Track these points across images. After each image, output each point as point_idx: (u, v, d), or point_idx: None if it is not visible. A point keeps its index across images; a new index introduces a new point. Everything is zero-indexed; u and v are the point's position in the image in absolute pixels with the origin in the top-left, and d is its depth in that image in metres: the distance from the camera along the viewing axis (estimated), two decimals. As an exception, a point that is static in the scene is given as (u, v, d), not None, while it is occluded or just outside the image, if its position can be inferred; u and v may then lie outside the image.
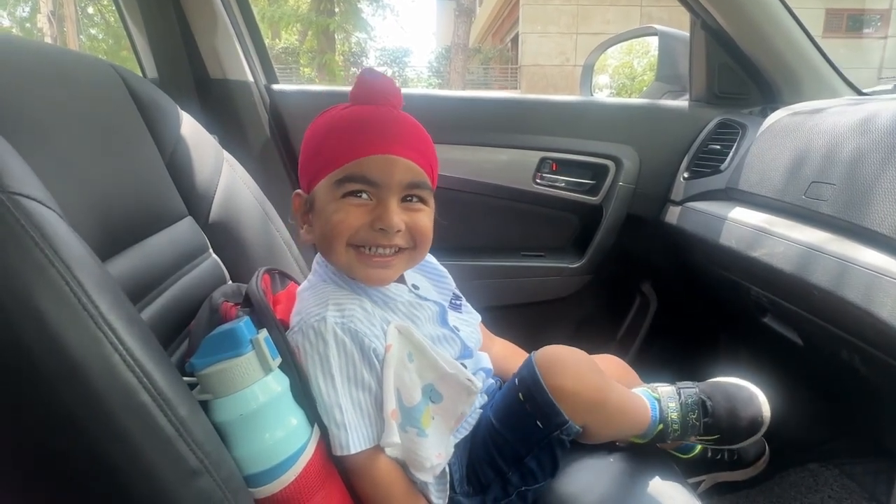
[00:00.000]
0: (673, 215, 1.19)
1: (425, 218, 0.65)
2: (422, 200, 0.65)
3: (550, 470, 0.67)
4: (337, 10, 13.98)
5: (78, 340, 0.40)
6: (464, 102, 1.25)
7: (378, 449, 0.60)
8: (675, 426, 0.75)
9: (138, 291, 0.65)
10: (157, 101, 0.84)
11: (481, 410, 0.72)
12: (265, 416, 0.56)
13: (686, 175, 1.20)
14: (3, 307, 0.38)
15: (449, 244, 1.29)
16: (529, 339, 0.98)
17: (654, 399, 0.76)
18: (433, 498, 0.64)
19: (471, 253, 1.27)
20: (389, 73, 16.32)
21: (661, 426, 0.75)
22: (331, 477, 0.59)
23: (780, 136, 0.98)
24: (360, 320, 0.61)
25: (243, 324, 0.57)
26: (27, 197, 0.42)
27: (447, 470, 0.65)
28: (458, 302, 0.77)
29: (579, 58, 12.56)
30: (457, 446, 0.67)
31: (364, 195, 0.61)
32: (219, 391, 0.55)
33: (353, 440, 0.58)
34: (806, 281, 0.77)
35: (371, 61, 16.78)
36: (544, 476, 0.67)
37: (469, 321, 0.77)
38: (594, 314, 1.39)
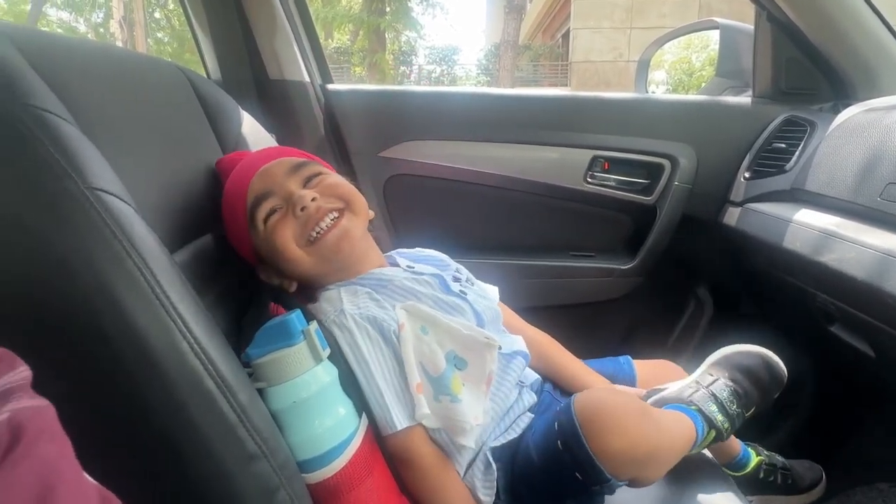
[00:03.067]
0: (732, 217, 1.14)
1: (331, 178, 0.72)
2: (320, 173, 0.72)
3: None
4: (388, 9, 14.15)
5: (151, 328, 0.43)
6: (514, 100, 1.24)
7: (421, 433, 0.61)
8: (725, 425, 0.73)
9: (200, 285, 0.68)
10: (221, 101, 0.88)
11: (530, 415, 0.71)
12: (316, 405, 0.58)
13: (747, 175, 1.14)
14: (85, 295, 0.42)
15: (496, 243, 1.29)
16: (578, 341, 0.97)
17: (693, 412, 0.73)
18: (480, 494, 0.64)
19: (518, 252, 1.26)
20: (438, 71, 16.40)
21: (712, 433, 0.73)
22: (378, 465, 0.60)
23: (853, 133, 0.92)
24: (373, 308, 0.65)
25: (294, 316, 0.60)
26: (107, 192, 0.45)
27: (494, 468, 0.65)
28: (458, 277, 0.77)
29: (633, 53, 12.19)
30: (503, 450, 0.67)
31: (275, 210, 0.68)
32: (273, 379, 0.57)
33: (396, 417, 0.60)
34: (880, 289, 0.72)
35: (420, 60, 16.90)
36: None
37: (477, 292, 0.76)
38: (646, 317, 1.35)
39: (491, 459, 0.65)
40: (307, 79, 1.18)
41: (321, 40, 1.28)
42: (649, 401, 0.77)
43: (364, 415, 0.62)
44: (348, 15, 14.03)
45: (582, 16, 12.43)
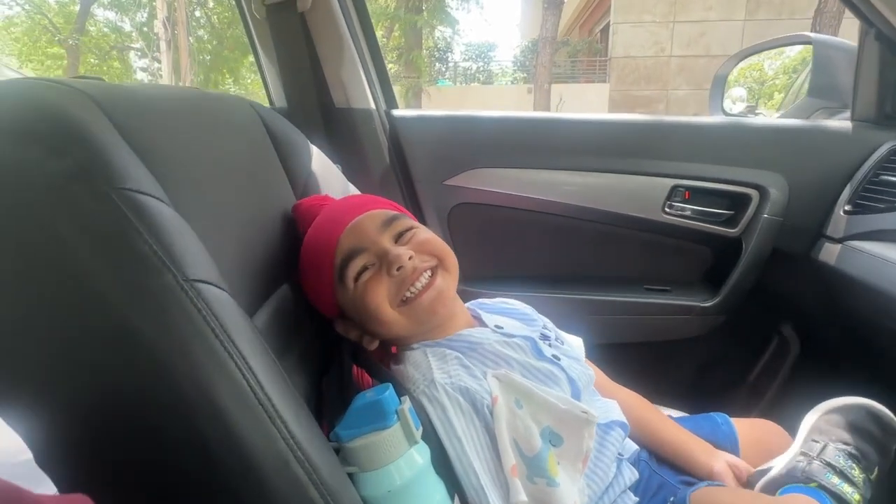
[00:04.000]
0: (829, 254, 1.05)
1: (423, 234, 0.68)
2: (412, 228, 0.68)
3: None
4: (424, 6, 14.10)
5: (257, 439, 0.39)
6: (588, 125, 1.16)
7: None
8: (856, 496, 0.65)
9: (281, 345, 0.65)
10: (290, 136, 0.85)
11: (634, 497, 0.65)
12: (412, 491, 0.53)
13: (848, 208, 1.04)
14: (189, 404, 0.38)
15: (565, 276, 1.22)
16: (648, 379, 0.90)
17: (815, 491, 0.65)
18: None
19: (589, 285, 1.19)
20: (474, 67, 16.27)
21: None
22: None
23: None
24: (465, 377, 0.60)
25: (388, 394, 0.55)
26: (206, 282, 0.41)
27: None
28: (547, 336, 0.72)
29: (676, 48, 11.81)
30: None
31: (367, 267, 0.64)
32: (366, 465, 0.53)
33: (493, 500, 0.55)
34: None
35: (456, 56, 16.81)
36: None
37: (569, 354, 0.71)
38: (723, 355, 1.26)
39: None
40: (373, 106, 1.14)
41: None
42: (760, 483, 0.70)
43: (456, 497, 0.57)
44: (385, 13, 14.04)
45: (622, 10, 12.11)
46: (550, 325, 0.76)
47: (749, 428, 0.82)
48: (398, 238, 0.66)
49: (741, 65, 1.59)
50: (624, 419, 0.70)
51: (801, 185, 1.09)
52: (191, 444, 0.37)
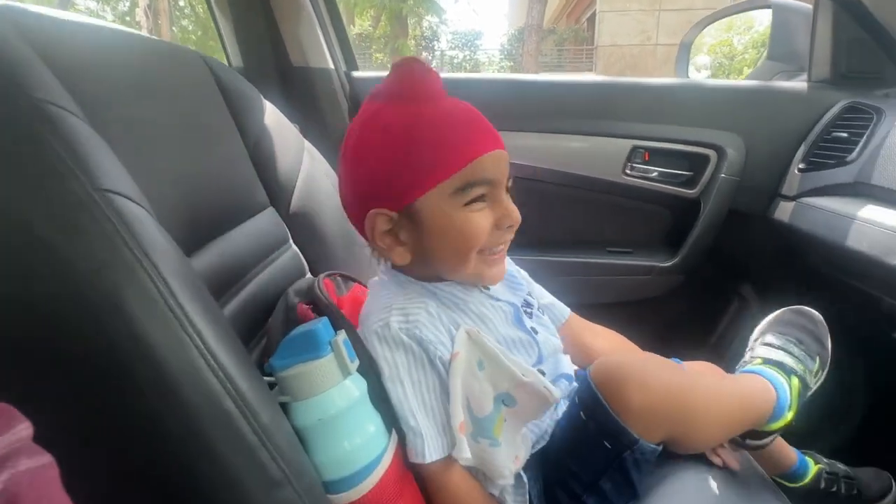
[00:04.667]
0: (784, 212, 1.06)
1: (511, 201, 0.64)
2: (509, 180, 0.63)
3: (628, 493, 0.60)
4: (410, -6, 14.00)
5: (165, 344, 0.39)
6: (547, 87, 1.17)
7: (452, 459, 0.57)
8: (800, 366, 0.68)
9: (223, 285, 0.65)
10: (243, 90, 0.84)
11: (558, 420, 0.67)
12: (344, 422, 0.53)
13: (802, 166, 1.06)
14: (95, 307, 0.38)
15: (527, 238, 1.22)
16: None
17: (762, 366, 0.68)
18: None
19: (551, 248, 1.19)
20: (461, 56, 16.20)
21: (794, 378, 0.67)
22: (409, 485, 0.56)
23: (929, 122, 0.83)
24: (424, 325, 0.58)
25: (321, 325, 0.55)
26: (119, 194, 0.41)
27: (524, 478, 0.61)
28: (529, 309, 0.70)
29: (662, 37, 11.83)
30: (532, 458, 0.63)
31: (483, 198, 0.58)
32: (298, 394, 0.53)
33: (429, 448, 0.55)
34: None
35: (443, 45, 16.71)
36: (623, 500, 0.60)
37: (544, 324, 0.71)
38: (685, 316, 1.27)
39: (522, 473, 0.61)
40: (331, 66, 1.13)
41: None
42: None
43: (394, 431, 0.57)
44: (371, 1, 13.91)
45: (609, -2, 12.11)
46: (534, 291, 0.76)
47: (696, 368, 0.83)
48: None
49: (710, 40, 1.59)
50: (570, 373, 0.70)
51: (757, 145, 1.11)
52: (97, 345, 0.38)
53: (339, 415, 0.53)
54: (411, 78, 0.58)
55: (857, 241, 0.85)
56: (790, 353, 0.69)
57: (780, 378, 0.66)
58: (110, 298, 0.38)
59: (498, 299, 0.66)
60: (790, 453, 0.89)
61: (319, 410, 0.53)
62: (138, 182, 0.47)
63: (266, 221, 0.81)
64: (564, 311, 0.79)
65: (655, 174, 1.15)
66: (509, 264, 0.74)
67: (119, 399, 0.39)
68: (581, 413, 0.59)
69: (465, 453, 0.55)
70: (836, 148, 1.00)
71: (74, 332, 0.38)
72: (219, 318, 0.45)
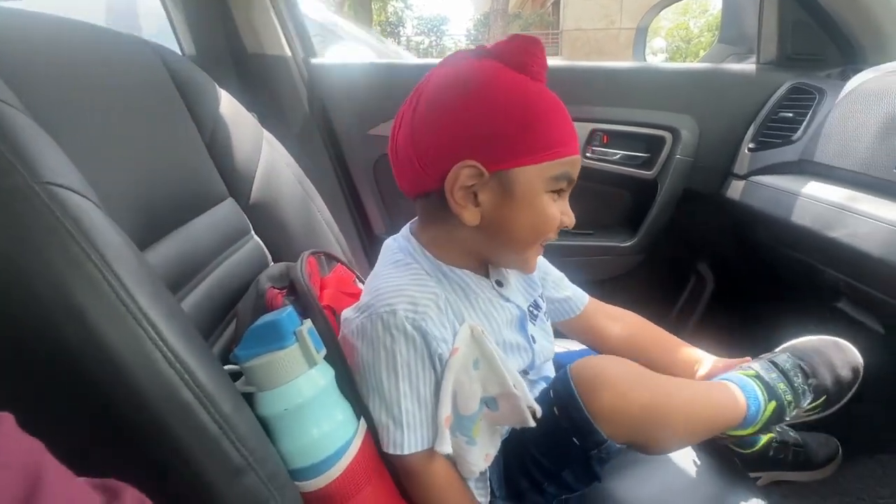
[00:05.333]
0: (736, 190, 1.10)
1: None
2: None
3: (588, 482, 0.62)
4: (373, -22, 13.74)
5: (118, 337, 0.39)
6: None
7: (432, 451, 0.56)
8: (788, 396, 0.68)
9: (182, 277, 0.64)
10: (196, 79, 0.82)
11: None
12: (310, 410, 0.54)
13: (751, 146, 1.10)
14: (43, 303, 0.37)
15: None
16: None
17: (749, 380, 0.68)
18: (476, 498, 0.61)
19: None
20: (427, 42, 16.05)
21: (772, 403, 0.67)
22: (378, 472, 0.57)
23: (865, 100, 0.87)
24: (431, 319, 0.56)
25: (286, 315, 0.55)
26: (62, 187, 0.40)
27: (486, 470, 0.62)
28: (536, 311, 0.69)
29: (626, 20, 11.95)
30: None
31: (561, 193, 0.59)
32: (263, 384, 0.53)
33: (409, 440, 0.55)
34: (893, 263, 0.69)
35: (408, 31, 16.51)
36: (583, 487, 0.62)
37: (546, 330, 0.71)
38: (645, 294, 1.31)
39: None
40: (289, 53, 1.11)
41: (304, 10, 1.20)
42: (705, 374, 0.74)
43: (363, 418, 0.58)
44: (332, -15, 13.58)
45: (572, -18, 12.15)
46: (553, 281, 0.76)
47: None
48: None
49: (667, 24, 1.63)
50: (552, 374, 0.71)
51: (710, 126, 1.14)
52: (50, 341, 0.37)
53: (305, 404, 0.53)
54: (536, 54, 0.57)
55: (800, 216, 0.89)
56: (789, 381, 0.69)
57: (760, 396, 0.67)
58: (59, 294, 0.37)
59: (508, 300, 0.64)
60: (743, 420, 0.94)
61: (285, 400, 0.53)
62: (85, 174, 0.46)
63: (225, 212, 0.79)
64: (583, 299, 0.79)
65: (614, 156, 1.17)
66: None
67: (75, 394, 0.38)
68: (554, 409, 0.59)
69: (447, 447, 0.55)
70: (783, 127, 1.04)
71: (26, 329, 0.37)
72: (175, 310, 0.45)
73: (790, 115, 1.04)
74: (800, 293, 1.12)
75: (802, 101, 1.03)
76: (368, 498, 0.54)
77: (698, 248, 1.29)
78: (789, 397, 0.68)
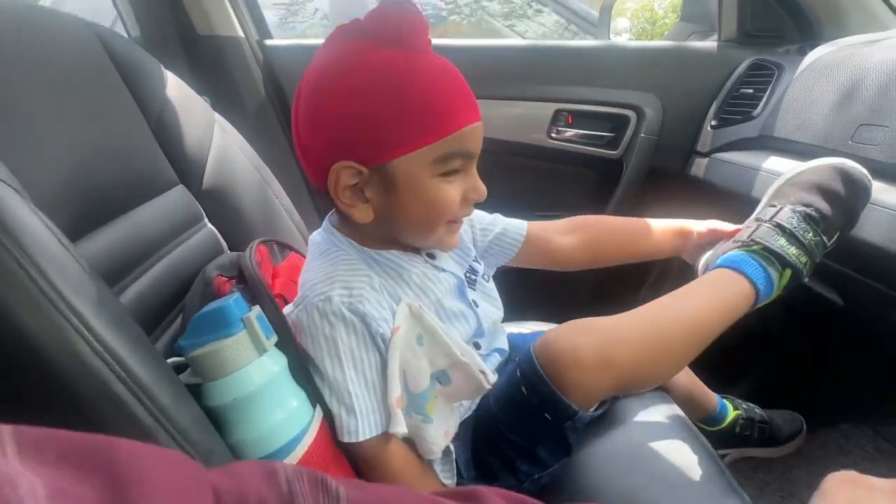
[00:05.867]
0: (700, 168, 1.11)
1: None
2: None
3: (563, 455, 0.62)
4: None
5: (41, 330, 0.36)
6: (469, 52, 1.16)
7: (387, 434, 0.55)
8: (803, 259, 0.62)
9: (126, 266, 0.61)
10: (139, 61, 0.78)
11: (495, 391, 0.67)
12: (262, 399, 0.52)
13: (714, 123, 1.11)
14: None
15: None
16: (547, 302, 0.93)
17: (753, 253, 0.63)
18: (441, 478, 0.60)
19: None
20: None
21: (787, 271, 0.62)
22: (336, 459, 0.55)
23: (821, 75, 0.88)
24: (367, 300, 0.55)
25: (233, 301, 0.53)
26: None
27: (451, 448, 0.61)
28: (473, 276, 0.68)
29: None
30: (460, 427, 0.63)
31: (458, 171, 0.55)
32: (209, 374, 0.51)
33: (363, 427, 0.54)
34: (854, 236, 0.69)
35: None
36: (557, 461, 0.62)
37: (487, 292, 0.69)
38: (613, 274, 1.32)
39: (449, 443, 0.61)
40: (241, 34, 1.07)
41: None
42: (706, 256, 0.70)
43: (318, 405, 0.56)
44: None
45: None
46: (476, 261, 0.71)
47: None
48: None
49: (633, 6, 1.63)
50: (506, 347, 0.70)
51: (673, 104, 1.14)
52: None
53: (257, 393, 0.51)
54: (403, 21, 0.51)
55: (761, 191, 0.89)
56: (799, 241, 0.62)
57: (771, 272, 0.62)
58: None
59: (443, 269, 0.63)
60: (711, 399, 0.95)
61: (234, 390, 0.51)
62: (14, 160, 0.44)
63: (175, 199, 0.76)
64: (519, 227, 0.76)
65: (579, 136, 1.17)
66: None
67: (5, 390, 0.36)
68: (522, 388, 0.58)
69: (402, 427, 0.54)
70: (744, 104, 1.05)
71: None
72: (106, 300, 0.42)
73: (750, 91, 1.05)
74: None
75: (762, 77, 1.04)
76: (327, 486, 0.53)
77: (664, 228, 1.30)
78: (804, 258, 0.62)
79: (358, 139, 0.52)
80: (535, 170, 1.19)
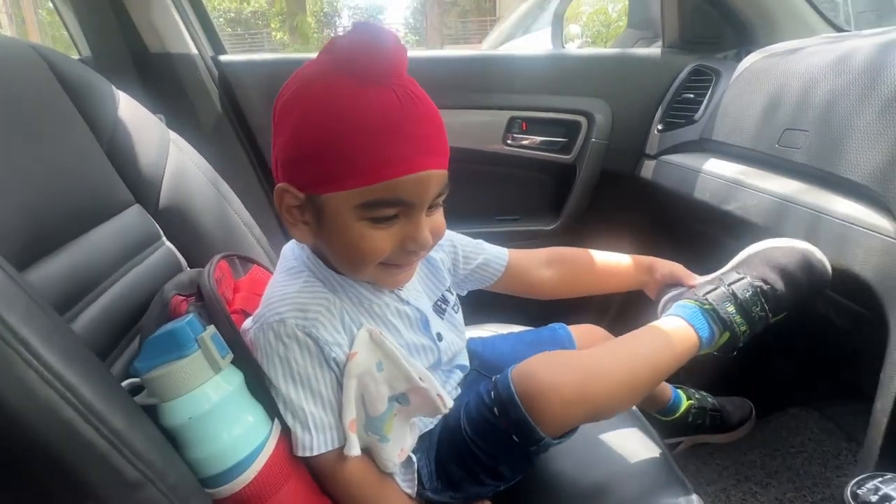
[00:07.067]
0: (648, 170, 1.16)
1: (441, 213, 0.58)
2: (440, 203, 0.56)
3: (525, 470, 0.64)
4: (304, -33, 13.34)
5: None
6: (423, 62, 1.18)
7: (342, 449, 0.57)
8: (743, 328, 0.68)
9: (80, 289, 0.62)
10: (89, 81, 0.78)
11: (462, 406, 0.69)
12: (218, 417, 0.53)
13: (660, 127, 1.16)
14: None
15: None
16: (509, 308, 0.96)
17: (704, 311, 0.68)
18: (402, 487, 0.62)
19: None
20: (364, 32, 15.72)
21: (727, 335, 0.68)
22: (295, 471, 0.57)
23: (753, 81, 0.93)
24: (322, 325, 0.55)
25: (186, 322, 0.54)
26: None
27: (413, 459, 0.63)
28: (444, 306, 0.68)
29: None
30: (422, 439, 0.64)
31: (394, 217, 0.52)
32: (164, 395, 0.52)
33: (318, 442, 0.55)
34: (779, 234, 0.74)
35: (344, 20, 16.16)
36: (519, 475, 0.64)
37: (455, 324, 0.70)
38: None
39: (412, 454, 0.63)
40: (195, 50, 1.07)
41: (235, 3, 1.16)
42: (665, 299, 0.75)
43: (276, 419, 0.58)
44: (262, -25, 13.13)
45: (506, -32, 12.21)
46: (448, 290, 0.71)
47: (581, 332, 0.88)
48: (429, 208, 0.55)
49: (588, 9, 1.67)
50: (467, 363, 0.71)
51: (622, 109, 1.19)
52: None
53: (211, 411, 0.52)
54: (361, 47, 0.48)
55: (701, 191, 0.95)
56: (747, 312, 0.68)
57: (715, 330, 0.68)
58: None
59: (407, 303, 0.63)
60: (666, 390, 0.99)
61: (188, 409, 0.52)
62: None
63: (131, 220, 0.76)
64: (501, 257, 0.76)
65: (533, 142, 1.20)
66: (437, 249, 0.69)
67: None
68: (494, 409, 0.59)
69: (356, 450, 0.55)
70: (686, 108, 1.10)
71: None
72: (54, 327, 0.43)
73: (692, 95, 1.10)
74: (710, 265, 1.19)
75: (702, 83, 1.09)
76: (286, 498, 0.54)
77: (618, 227, 1.34)
78: (744, 328, 0.68)
79: (294, 165, 0.52)
80: (493, 176, 1.23)
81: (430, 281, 0.69)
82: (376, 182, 0.49)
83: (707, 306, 0.68)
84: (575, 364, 0.61)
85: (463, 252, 0.74)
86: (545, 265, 0.80)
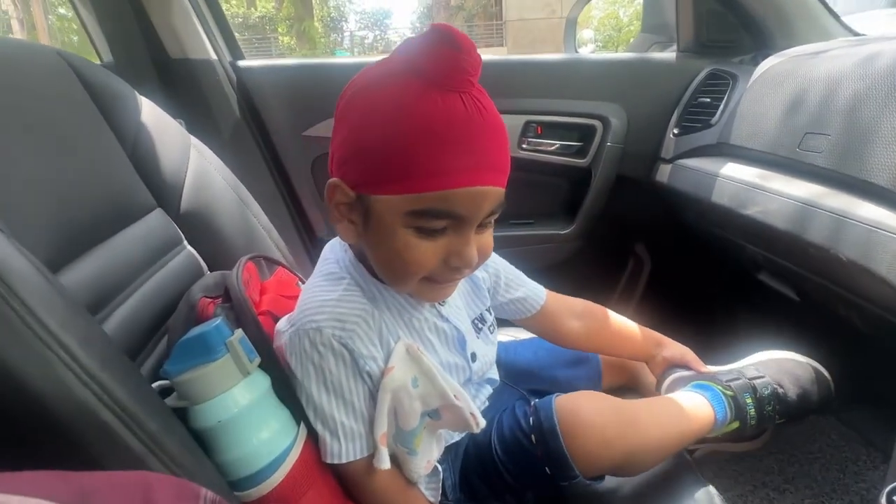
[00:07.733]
0: (664, 174, 1.16)
1: (491, 233, 0.56)
2: (492, 221, 0.54)
3: (549, 501, 0.64)
4: (312, -28, 13.44)
5: (25, 363, 0.38)
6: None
7: (370, 457, 0.57)
8: (753, 421, 0.72)
9: (108, 292, 0.62)
10: (113, 87, 0.79)
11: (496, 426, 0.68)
12: (246, 420, 0.53)
13: (676, 131, 1.16)
14: None
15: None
16: None
17: (725, 396, 0.72)
18: (426, 496, 0.62)
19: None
20: (371, 37, 15.85)
21: (737, 423, 0.72)
22: (321, 474, 0.57)
23: (772, 84, 0.93)
24: (359, 337, 0.55)
25: (215, 327, 0.54)
26: None
27: (438, 468, 0.63)
28: (481, 325, 0.68)
29: (566, 9, 12.16)
30: (447, 450, 0.64)
31: (443, 230, 0.50)
32: (194, 398, 0.52)
33: (346, 450, 0.56)
34: (801, 238, 0.74)
35: (352, 25, 16.24)
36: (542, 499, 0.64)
37: (489, 342, 0.69)
38: (588, 279, 1.36)
39: (437, 464, 0.63)
40: (214, 56, 1.08)
41: (243, 9, 1.17)
42: (670, 378, 0.77)
43: (303, 423, 0.58)
44: (270, -20, 13.22)
45: (513, -28, 12.25)
46: (509, 281, 0.72)
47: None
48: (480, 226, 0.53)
49: (598, 14, 1.67)
50: (497, 378, 0.71)
51: (637, 113, 1.19)
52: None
53: (240, 415, 0.53)
54: (438, 51, 0.46)
55: (720, 196, 0.94)
56: (761, 408, 0.72)
57: (728, 414, 0.71)
58: None
59: (447, 320, 0.62)
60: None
61: (218, 413, 0.52)
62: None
63: (154, 224, 0.77)
64: (539, 296, 0.75)
65: (549, 147, 1.21)
66: (481, 268, 0.68)
67: None
68: (532, 437, 0.59)
69: (385, 464, 0.55)
70: (702, 112, 1.10)
71: None
72: (91, 331, 0.44)
73: (708, 100, 1.10)
74: (727, 268, 1.19)
75: (719, 87, 1.09)
76: (312, 501, 0.55)
77: (634, 231, 1.35)
78: (754, 422, 0.72)
79: (348, 162, 0.50)
80: (509, 180, 1.23)
81: (472, 298, 0.69)
82: (429, 190, 0.47)
83: (729, 393, 0.72)
84: (618, 408, 0.63)
85: (505, 279, 0.73)
86: (576, 317, 0.79)
